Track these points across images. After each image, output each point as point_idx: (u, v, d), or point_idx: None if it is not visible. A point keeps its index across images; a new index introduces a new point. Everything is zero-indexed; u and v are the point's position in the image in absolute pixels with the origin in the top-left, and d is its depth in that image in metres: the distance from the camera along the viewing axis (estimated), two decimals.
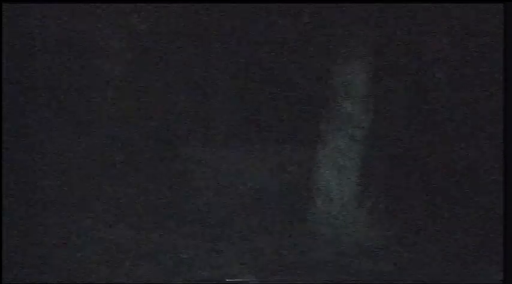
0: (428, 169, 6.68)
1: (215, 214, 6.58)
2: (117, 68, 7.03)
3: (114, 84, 7.00)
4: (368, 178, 6.14)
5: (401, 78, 6.61)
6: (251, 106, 7.18)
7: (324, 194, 6.13)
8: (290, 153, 6.96)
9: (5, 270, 4.84)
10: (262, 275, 5.27)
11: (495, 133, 6.13)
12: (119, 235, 5.96)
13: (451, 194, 6.58)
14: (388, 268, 5.51)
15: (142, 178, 6.84)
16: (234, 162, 6.99)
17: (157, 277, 5.15)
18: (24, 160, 6.51)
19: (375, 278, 5.29)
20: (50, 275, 5.01)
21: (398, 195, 6.44)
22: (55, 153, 6.72)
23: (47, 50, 6.81)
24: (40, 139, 6.70)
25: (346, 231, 6.04)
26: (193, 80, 7.12)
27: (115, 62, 7.02)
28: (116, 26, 6.90)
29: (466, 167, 6.65)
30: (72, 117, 6.85)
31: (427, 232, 6.21)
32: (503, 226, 4.91)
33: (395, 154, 6.55)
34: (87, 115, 6.91)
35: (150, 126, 7.03)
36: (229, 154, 7.02)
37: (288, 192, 6.79)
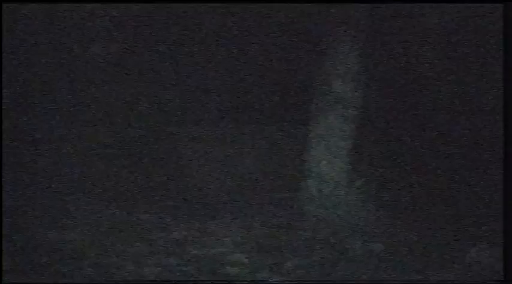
0: (420, 148, 6.69)
1: (206, 194, 6.62)
2: (108, 49, 7.06)
3: (106, 66, 7.03)
4: (359, 158, 6.13)
5: (396, 64, 6.65)
6: (242, 87, 7.17)
7: (316, 174, 6.12)
8: (281, 133, 6.99)
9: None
10: (253, 255, 5.29)
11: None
12: (110, 216, 5.99)
13: (444, 173, 6.60)
14: (379, 248, 5.53)
15: (134, 159, 6.86)
16: (226, 142, 7.01)
17: (149, 257, 5.17)
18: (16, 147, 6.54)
19: (366, 257, 5.32)
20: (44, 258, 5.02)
21: (389, 175, 6.44)
22: (47, 136, 6.76)
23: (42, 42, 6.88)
24: (31, 123, 6.74)
25: (338, 211, 6.04)
26: (184, 61, 7.13)
27: (106, 44, 7.04)
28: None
29: (460, 148, 6.66)
30: (63, 101, 6.88)
31: (418, 212, 6.21)
32: (503, 224, 4.92)
33: (387, 134, 6.57)
34: (79, 98, 6.93)
35: (141, 108, 7.05)
36: (220, 135, 7.04)
37: (280, 172, 6.82)
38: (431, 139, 6.73)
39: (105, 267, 4.94)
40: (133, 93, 7.05)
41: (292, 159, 6.64)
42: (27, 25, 6.77)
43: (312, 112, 6.14)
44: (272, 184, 6.78)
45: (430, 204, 6.35)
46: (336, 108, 6.04)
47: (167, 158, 6.92)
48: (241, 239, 5.62)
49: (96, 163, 6.78)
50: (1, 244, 5.03)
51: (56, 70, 6.89)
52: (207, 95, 7.20)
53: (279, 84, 7.12)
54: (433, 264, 5.21)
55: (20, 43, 6.75)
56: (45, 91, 6.85)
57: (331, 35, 6.05)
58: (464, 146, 6.66)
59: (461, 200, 6.39)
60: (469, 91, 6.63)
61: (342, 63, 6.00)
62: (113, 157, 6.83)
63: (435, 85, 6.72)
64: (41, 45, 6.84)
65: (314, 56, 6.30)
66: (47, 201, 6.19)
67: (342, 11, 5.95)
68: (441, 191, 6.48)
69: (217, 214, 6.19)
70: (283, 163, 6.86)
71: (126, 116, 7.00)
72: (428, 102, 6.76)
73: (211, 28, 7.07)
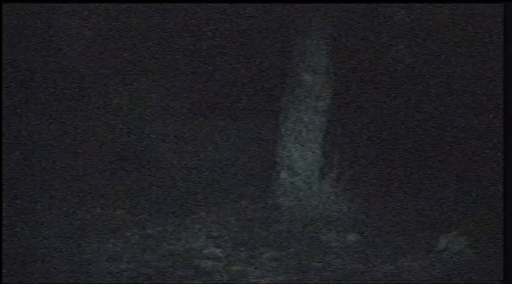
0: (391, 138, 6.68)
1: (180, 189, 6.59)
2: (79, 50, 7.04)
3: (79, 65, 7.00)
4: (331, 150, 6.16)
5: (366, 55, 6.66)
6: (213, 81, 7.15)
7: (288, 166, 6.14)
8: (253, 126, 7.00)
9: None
10: (228, 248, 5.28)
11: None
12: (85, 212, 5.94)
13: (416, 163, 6.60)
14: (353, 238, 5.54)
15: (107, 155, 6.82)
16: (198, 136, 7.02)
17: (124, 253, 5.12)
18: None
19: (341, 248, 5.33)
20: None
21: (362, 166, 6.45)
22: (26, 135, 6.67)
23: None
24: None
25: (311, 203, 6.06)
26: (154, 58, 7.12)
27: (81, 46, 7.05)
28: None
29: (429, 136, 6.68)
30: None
31: (391, 202, 6.23)
32: (503, 224, 4.75)
33: (358, 125, 6.63)
34: (60, 95, 6.88)
35: (113, 104, 7.06)
36: (192, 129, 7.03)
37: (252, 165, 6.82)
38: (404, 130, 6.72)
39: (80, 264, 4.83)
40: (109, 89, 7.05)
41: (264, 153, 6.62)
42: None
43: (283, 105, 6.15)
44: (245, 178, 6.75)
45: (404, 194, 6.36)
46: (307, 101, 6.05)
47: (141, 154, 6.89)
48: (216, 233, 5.59)
49: (69, 160, 6.70)
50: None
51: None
52: (178, 91, 7.17)
53: (250, 78, 7.09)
54: (409, 254, 5.17)
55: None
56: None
57: (300, 28, 6.05)
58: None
59: (430, 188, 6.39)
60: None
61: (312, 55, 6.00)
62: (86, 154, 6.77)
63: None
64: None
65: (284, 49, 6.29)
66: (18, 197, 6.06)
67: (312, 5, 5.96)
68: (415, 180, 6.48)
69: (191, 209, 6.14)
70: (256, 157, 6.84)
71: (99, 113, 6.97)
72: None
73: (182, 26, 7.02)
